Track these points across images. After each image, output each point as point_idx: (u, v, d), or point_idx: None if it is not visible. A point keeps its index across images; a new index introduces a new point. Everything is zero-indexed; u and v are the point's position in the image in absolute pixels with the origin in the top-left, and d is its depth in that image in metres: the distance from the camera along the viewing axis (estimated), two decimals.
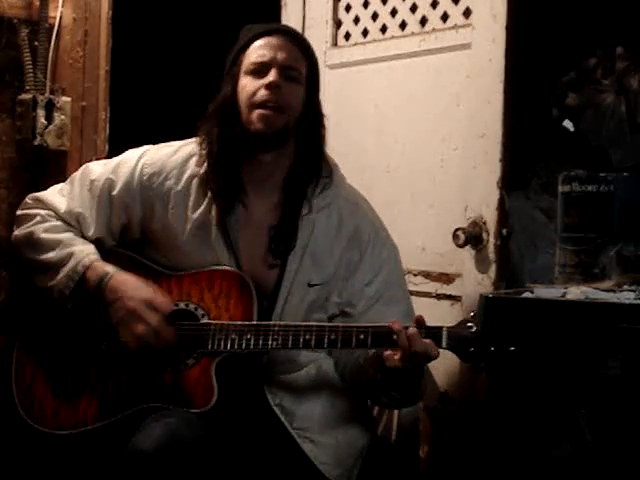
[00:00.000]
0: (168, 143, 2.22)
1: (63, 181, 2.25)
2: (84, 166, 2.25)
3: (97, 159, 2.67)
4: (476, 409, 2.46)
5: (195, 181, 2.13)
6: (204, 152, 2.12)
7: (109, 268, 2.08)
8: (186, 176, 2.14)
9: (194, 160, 2.15)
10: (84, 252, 2.10)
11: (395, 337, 1.90)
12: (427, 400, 2.51)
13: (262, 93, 2.04)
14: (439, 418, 2.57)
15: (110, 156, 2.68)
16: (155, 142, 2.27)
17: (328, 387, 2.14)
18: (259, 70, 2.06)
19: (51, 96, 2.65)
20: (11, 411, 2.11)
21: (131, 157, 2.19)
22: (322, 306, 2.13)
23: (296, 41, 2.11)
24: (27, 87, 2.64)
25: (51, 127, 2.63)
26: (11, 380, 2.13)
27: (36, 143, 2.62)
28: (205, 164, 2.12)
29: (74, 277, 2.07)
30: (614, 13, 2.51)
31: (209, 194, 2.11)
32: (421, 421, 2.57)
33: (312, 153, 2.12)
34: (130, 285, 2.05)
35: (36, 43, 2.65)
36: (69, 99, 2.70)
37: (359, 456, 2.10)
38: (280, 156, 2.10)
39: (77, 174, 2.22)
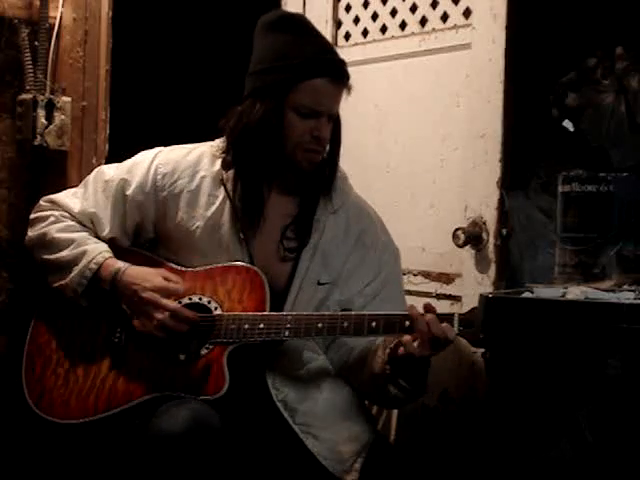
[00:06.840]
0: (180, 145, 2.25)
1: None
2: (97, 169, 2.28)
3: (97, 159, 2.68)
4: (476, 409, 2.46)
5: (207, 180, 2.17)
6: (228, 159, 2.16)
7: (120, 264, 2.12)
8: (199, 176, 2.18)
9: (207, 160, 2.19)
10: (97, 250, 2.13)
11: (408, 323, 1.97)
12: (427, 400, 2.51)
13: (311, 141, 2.10)
14: (439, 418, 2.57)
15: (110, 156, 2.69)
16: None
17: (331, 384, 2.17)
18: (310, 115, 2.09)
19: (51, 96, 2.65)
20: (17, 403, 2.12)
21: (145, 158, 2.22)
22: (326, 304, 2.16)
23: (345, 81, 2.16)
24: (27, 87, 2.64)
25: (51, 127, 2.63)
26: (21, 372, 2.15)
27: (36, 143, 2.62)
28: (218, 162, 2.17)
29: (87, 275, 2.11)
30: (614, 13, 2.51)
31: (222, 193, 2.15)
32: (421, 421, 2.57)
33: (329, 162, 2.18)
34: (142, 277, 2.09)
35: (36, 43, 2.65)
36: (69, 99, 2.70)
37: (362, 451, 2.12)
38: None
39: (90, 177, 2.26)
